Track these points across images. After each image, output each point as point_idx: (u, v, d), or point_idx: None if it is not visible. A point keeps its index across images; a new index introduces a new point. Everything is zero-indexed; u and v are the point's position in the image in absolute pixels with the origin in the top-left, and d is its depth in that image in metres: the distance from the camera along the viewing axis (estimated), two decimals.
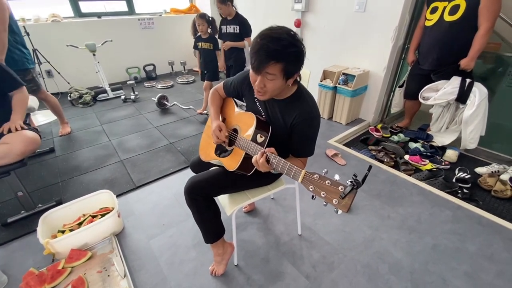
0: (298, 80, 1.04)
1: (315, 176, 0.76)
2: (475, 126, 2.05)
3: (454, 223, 1.62)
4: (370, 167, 0.69)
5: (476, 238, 1.52)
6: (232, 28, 2.73)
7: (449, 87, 2.09)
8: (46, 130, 2.79)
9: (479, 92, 1.99)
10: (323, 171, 0.77)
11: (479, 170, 2.07)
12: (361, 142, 2.55)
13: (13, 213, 1.69)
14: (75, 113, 3.24)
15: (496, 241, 1.50)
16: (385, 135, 2.63)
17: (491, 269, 1.35)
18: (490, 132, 2.15)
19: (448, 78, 2.11)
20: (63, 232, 1.51)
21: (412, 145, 2.40)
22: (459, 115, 2.16)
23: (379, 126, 2.72)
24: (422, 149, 2.31)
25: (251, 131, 1.05)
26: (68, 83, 3.63)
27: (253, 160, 0.95)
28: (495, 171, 1.99)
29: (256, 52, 0.86)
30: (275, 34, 0.85)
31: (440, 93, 2.14)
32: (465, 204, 1.74)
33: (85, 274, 1.35)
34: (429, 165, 2.14)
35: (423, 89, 2.25)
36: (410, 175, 2.05)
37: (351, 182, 0.69)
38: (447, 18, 1.99)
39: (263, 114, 1.11)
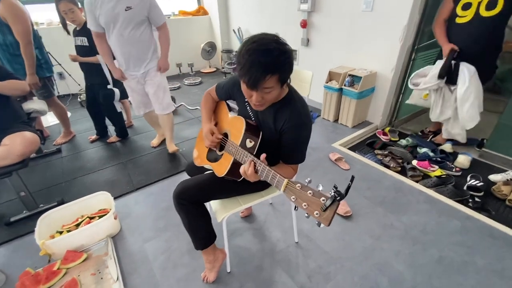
0: (288, 81, 1.00)
1: (297, 185, 0.72)
2: (471, 102, 1.98)
3: (462, 235, 1.52)
4: (353, 177, 0.64)
5: (486, 252, 1.41)
6: (80, 40, 2.26)
7: (436, 70, 2.07)
8: (55, 131, 2.86)
9: (467, 69, 1.97)
10: (306, 180, 0.72)
11: (493, 177, 1.94)
12: (367, 146, 2.46)
13: (16, 213, 1.74)
14: (84, 114, 3.30)
15: (508, 255, 1.39)
16: (393, 139, 2.53)
17: (501, 286, 1.25)
18: (506, 136, 2.02)
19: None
20: (61, 233, 1.53)
21: (421, 149, 2.29)
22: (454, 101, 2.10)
23: (387, 130, 2.61)
24: (431, 154, 2.20)
25: (240, 135, 1.02)
26: (79, 84, 3.71)
27: (241, 170, 0.91)
28: (511, 179, 1.86)
29: (248, 70, 0.81)
30: (262, 46, 0.80)
31: (428, 77, 2.12)
32: (476, 214, 1.63)
33: (79, 276, 1.36)
34: (438, 171, 2.02)
35: (411, 76, 2.26)
36: (417, 182, 1.95)
37: (333, 193, 0.64)
38: (484, 13, 1.87)
39: (253, 118, 1.07)
